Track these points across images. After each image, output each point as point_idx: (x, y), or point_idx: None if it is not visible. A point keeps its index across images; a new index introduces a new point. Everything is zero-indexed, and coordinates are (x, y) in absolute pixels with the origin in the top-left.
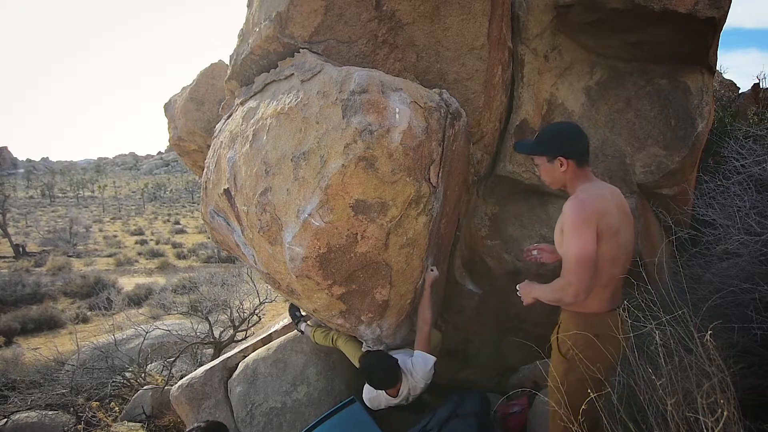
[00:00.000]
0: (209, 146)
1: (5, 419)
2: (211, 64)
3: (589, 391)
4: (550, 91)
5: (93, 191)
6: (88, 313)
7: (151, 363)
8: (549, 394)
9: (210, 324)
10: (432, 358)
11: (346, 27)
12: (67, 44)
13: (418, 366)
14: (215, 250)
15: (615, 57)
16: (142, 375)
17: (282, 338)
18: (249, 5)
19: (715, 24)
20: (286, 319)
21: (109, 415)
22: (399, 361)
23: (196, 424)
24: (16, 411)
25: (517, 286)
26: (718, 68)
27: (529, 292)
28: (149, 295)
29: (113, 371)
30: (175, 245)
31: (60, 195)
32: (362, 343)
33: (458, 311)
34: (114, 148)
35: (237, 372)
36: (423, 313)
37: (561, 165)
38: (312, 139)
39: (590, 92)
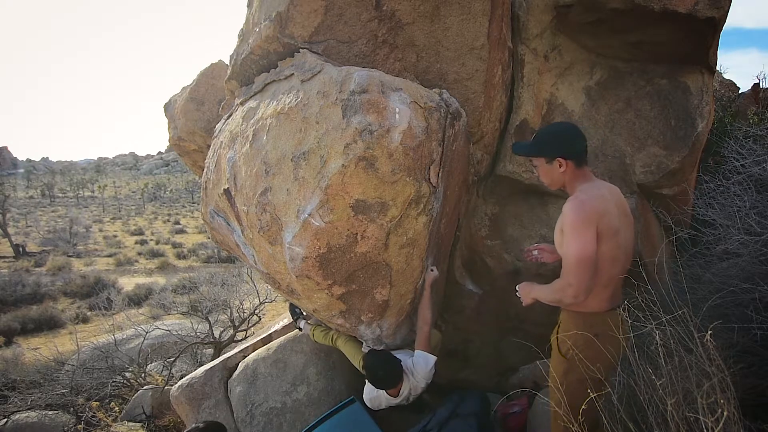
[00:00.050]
0: (209, 146)
1: (5, 419)
2: (211, 64)
3: (589, 391)
4: (550, 91)
5: (93, 191)
6: (88, 313)
7: (151, 363)
8: (549, 395)
9: (210, 324)
10: (433, 358)
11: (346, 27)
12: (67, 44)
13: (419, 366)
14: (215, 250)
15: (615, 57)
16: (142, 375)
17: (282, 338)
18: (249, 5)
19: (715, 24)
20: (286, 319)
21: (109, 415)
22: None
23: (194, 425)
24: (16, 411)
25: (517, 287)
26: (718, 68)
27: (528, 292)
28: (149, 295)
29: (113, 371)
30: (175, 245)
31: (60, 195)
32: (362, 343)
33: (458, 311)
34: (114, 148)
35: (237, 372)
36: (423, 313)
37: (560, 166)
38: (312, 139)
39: (590, 92)
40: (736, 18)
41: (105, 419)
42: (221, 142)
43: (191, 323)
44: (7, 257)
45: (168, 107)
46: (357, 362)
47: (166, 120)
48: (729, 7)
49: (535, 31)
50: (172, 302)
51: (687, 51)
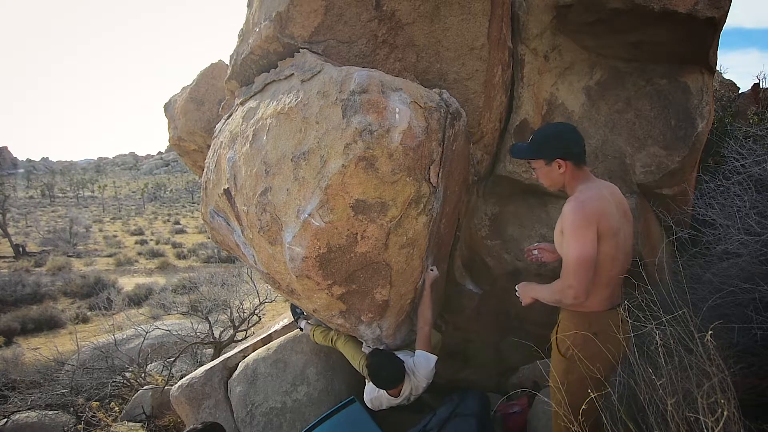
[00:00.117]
0: (209, 146)
1: (5, 419)
2: (211, 64)
3: (589, 390)
4: (550, 91)
5: (93, 191)
6: (88, 313)
7: (151, 363)
8: (550, 394)
9: (210, 324)
10: (434, 357)
11: (346, 27)
12: (67, 44)
13: (420, 365)
14: (215, 250)
15: (615, 57)
16: (142, 375)
17: (282, 338)
18: (249, 5)
19: (715, 24)
20: (286, 319)
21: (109, 415)
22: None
23: (192, 426)
24: (16, 411)
25: (516, 287)
26: (718, 68)
27: (527, 292)
28: (149, 295)
29: (113, 371)
30: (175, 245)
31: (60, 195)
32: (361, 345)
33: (458, 311)
34: (114, 148)
35: (237, 372)
36: (424, 313)
37: (559, 167)
38: (312, 139)
39: (590, 92)
40: (736, 18)
41: (105, 419)
42: (221, 142)
43: (191, 323)
44: (7, 257)
45: (168, 107)
46: (357, 363)
47: (166, 120)
48: (729, 7)
49: (535, 31)
50: (172, 302)
51: (687, 51)
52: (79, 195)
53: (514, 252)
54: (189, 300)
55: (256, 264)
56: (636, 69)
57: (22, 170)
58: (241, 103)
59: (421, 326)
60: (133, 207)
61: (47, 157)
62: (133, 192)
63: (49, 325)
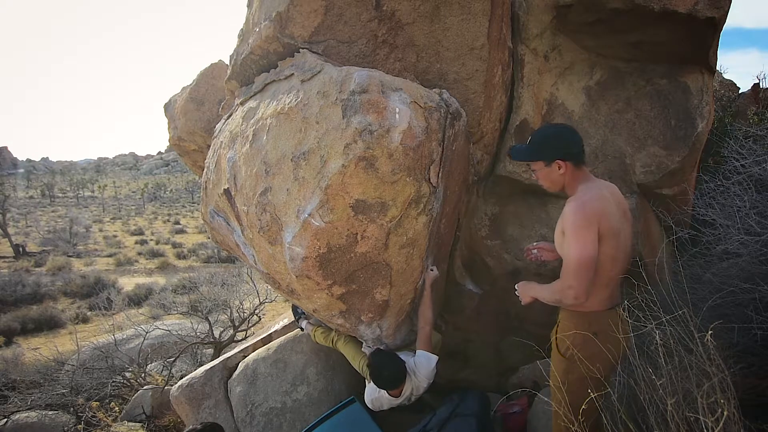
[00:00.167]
0: (209, 146)
1: (5, 419)
2: (211, 64)
3: (589, 390)
4: (550, 91)
5: (93, 191)
6: (88, 313)
7: (151, 363)
8: (550, 394)
9: (210, 324)
10: (435, 357)
11: (346, 27)
12: (67, 44)
13: (421, 365)
14: (215, 250)
15: (615, 57)
16: (142, 375)
17: (282, 338)
18: (249, 5)
19: (715, 24)
20: (286, 319)
21: (109, 415)
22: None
23: (192, 426)
24: (16, 411)
25: (516, 286)
26: (718, 68)
27: (527, 291)
28: (149, 295)
29: (113, 371)
30: (175, 245)
31: (60, 195)
32: (362, 345)
33: (458, 311)
34: (114, 148)
35: (237, 372)
36: (424, 313)
37: (559, 168)
38: (312, 139)
39: (590, 92)
40: (736, 18)
41: (105, 419)
42: (221, 142)
43: (191, 323)
44: (7, 257)
45: (168, 107)
46: (357, 364)
47: (166, 120)
48: (729, 7)
49: (535, 31)
50: (172, 302)
51: (687, 51)
52: (79, 195)
53: (514, 252)
54: (189, 300)
55: (256, 264)
56: (636, 69)
57: (22, 170)
58: (241, 103)
59: (422, 326)
60: (133, 207)
61: (47, 157)
62: (133, 192)
63: (49, 325)
